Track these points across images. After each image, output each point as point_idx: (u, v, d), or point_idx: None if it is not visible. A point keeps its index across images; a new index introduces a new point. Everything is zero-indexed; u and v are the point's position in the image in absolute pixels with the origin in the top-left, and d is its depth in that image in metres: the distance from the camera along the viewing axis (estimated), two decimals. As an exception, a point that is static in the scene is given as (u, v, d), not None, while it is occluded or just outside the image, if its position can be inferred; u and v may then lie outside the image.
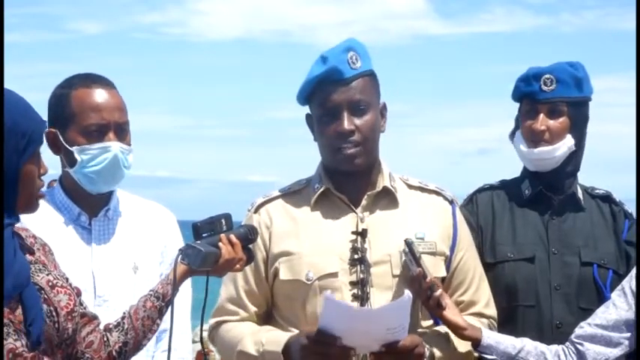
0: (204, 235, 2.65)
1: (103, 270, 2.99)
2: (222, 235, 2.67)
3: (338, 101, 2.92)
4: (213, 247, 2.63)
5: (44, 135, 2.40)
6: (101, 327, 2.56)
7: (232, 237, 2.68)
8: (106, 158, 2.95)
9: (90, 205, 3.03)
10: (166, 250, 3.14)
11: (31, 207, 2.43)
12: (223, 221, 2.70)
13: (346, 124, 2.91)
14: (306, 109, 3.06)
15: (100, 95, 2.99)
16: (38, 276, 2.38)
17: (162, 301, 2.59)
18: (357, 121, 2.92)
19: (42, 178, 2.46)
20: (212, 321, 3.07)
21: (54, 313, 2.35)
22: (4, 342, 2.23)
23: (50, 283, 2.39)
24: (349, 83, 2.93)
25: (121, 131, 2.99)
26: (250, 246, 2.78)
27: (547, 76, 3.34)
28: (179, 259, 2.61)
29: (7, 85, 2.42)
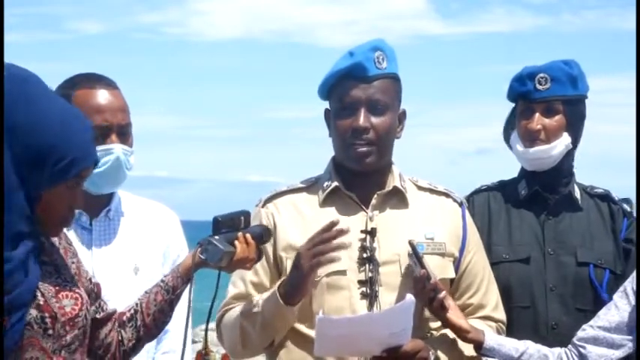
0: (223, 230, 2.61)
1: (104, 271, 2.95)
2: (240, 234, 2.63)
3: (357, 97, 2.90)
4: (230, 244, 2.59)
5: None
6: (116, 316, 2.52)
7: (249, 236, 2.64)
8: (108, 160, 2.91)
9: (91, 206, 2.98)
10: (168, 250, 3.10)
11: (59, 228, 2.36)
12: (243, 219, 2.67)
13: (362, 121, 2.89)
14: (325, 105, 3.03)
15: (102, 96, 2.95)
16: (43, 281, 2.29)
17: (172, 294, 2.53)
18: (374, 120, 2.90)
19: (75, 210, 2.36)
20: (218, 315, 2.99)
21: (47, 320, 2.26)
22: None
23: (57, 288, 2.31)
24: (371, 82, 2.91)
25: (124, 133, 2.97)
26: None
27: (541, 75, 3.32)
28: (198, 252, 2.56)
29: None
